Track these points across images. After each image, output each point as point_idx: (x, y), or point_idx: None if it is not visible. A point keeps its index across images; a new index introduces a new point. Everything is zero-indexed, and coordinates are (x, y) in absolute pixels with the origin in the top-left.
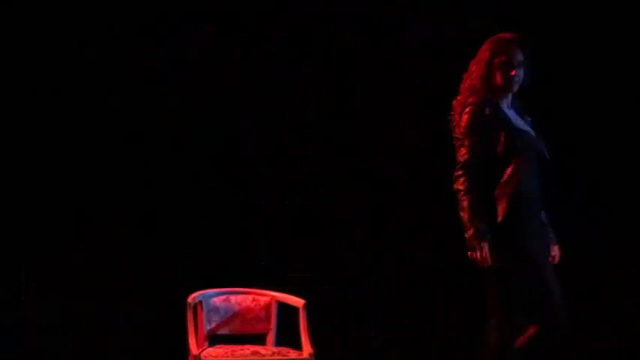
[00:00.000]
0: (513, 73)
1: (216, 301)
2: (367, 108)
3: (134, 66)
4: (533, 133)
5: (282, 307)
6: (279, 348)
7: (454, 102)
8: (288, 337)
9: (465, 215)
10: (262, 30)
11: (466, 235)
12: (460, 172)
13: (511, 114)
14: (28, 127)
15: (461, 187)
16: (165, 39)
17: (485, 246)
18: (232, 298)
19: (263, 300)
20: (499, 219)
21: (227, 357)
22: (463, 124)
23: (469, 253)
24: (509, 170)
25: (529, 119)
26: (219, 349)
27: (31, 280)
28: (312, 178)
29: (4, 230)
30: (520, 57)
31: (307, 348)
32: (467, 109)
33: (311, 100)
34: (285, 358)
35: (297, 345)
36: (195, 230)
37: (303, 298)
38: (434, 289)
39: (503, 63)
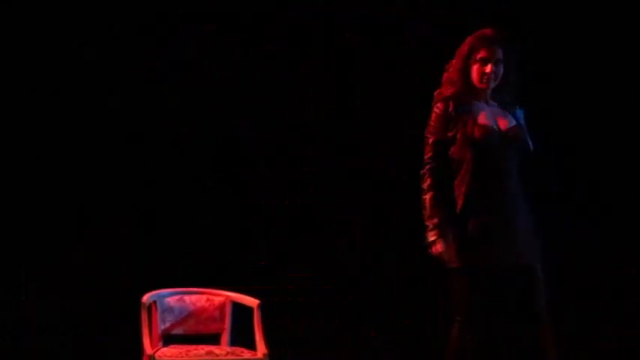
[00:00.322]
0: (487, 69)
1: (171, 300)
2: (367, 108)
3: (134, 66)
4: (515, 127)
5: (237, 307)
6: (234, 348)
7: (435, 93)
8: (243, 337)
9: (425, 213)
10: (262, 30)
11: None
12: (423, 171)
13: (487, 109)
14: (28, 127)
15: (424, 186)
16: (165, 39)
17: (440, 241)
18: (187, 297)
19: (217, 300)
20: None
21: (181, 357)
22: (429, 123)
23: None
24: (463, 169)
25: (519, 111)
26: (173, 349)
27: (31, 280)
28: (312, 178)
29: (4, 230)
30: (498, 54)
31: (261, 348)
32: (434, 107)
33: (311, 100)
34: (240, 358)
35: (252, 345)
36: (195, 230)
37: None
38: (434, 289)
39: (480, 58)
